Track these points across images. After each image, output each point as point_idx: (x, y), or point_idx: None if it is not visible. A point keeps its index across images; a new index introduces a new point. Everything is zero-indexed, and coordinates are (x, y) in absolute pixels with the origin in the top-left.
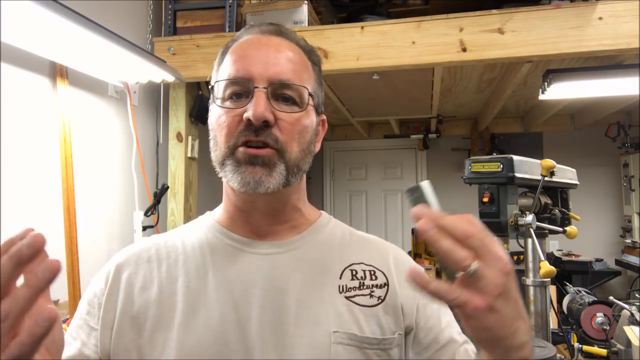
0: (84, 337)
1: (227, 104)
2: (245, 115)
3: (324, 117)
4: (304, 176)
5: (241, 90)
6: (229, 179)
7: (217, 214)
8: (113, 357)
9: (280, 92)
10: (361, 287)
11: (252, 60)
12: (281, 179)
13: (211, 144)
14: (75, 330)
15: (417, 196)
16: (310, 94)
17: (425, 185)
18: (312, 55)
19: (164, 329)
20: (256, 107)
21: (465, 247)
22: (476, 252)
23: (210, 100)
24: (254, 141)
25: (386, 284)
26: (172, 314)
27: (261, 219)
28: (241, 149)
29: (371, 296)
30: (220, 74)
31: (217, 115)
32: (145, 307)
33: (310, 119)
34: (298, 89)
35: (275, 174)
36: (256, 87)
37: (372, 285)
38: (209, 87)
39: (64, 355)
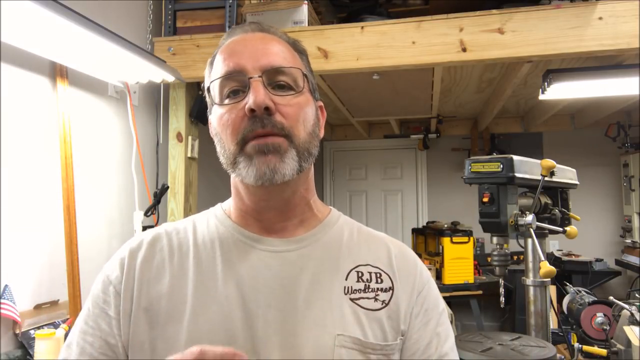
0: (105, 326)
1: (226, 102)
2: (247, 106)
3: (321, 103)
4: (312, 166)
5: (237, 85)
6: (244, 176)
7: (228, 207)
8: (130, 348)
9: (275, 80)
10: (366, 290)
11: (242, 55)
12: (294, 165)
13: (218, 148)
14: (93, 319)
15: None
16: (304, 74)
17: None
18: (296, 45)
19: (174, 322)
20: (256, 95)
21: None
22: None
23: (209, 107)
24: (262, 133)
25: (391, 288)
26: (183, 307)
27: (273, 216)
28: (251, 143)
29: (375, 300)
30: (213, 77)
31: (219, 115)
32: (157, 299)
33: (309, 101)
34: (292, 73)
35: (287, 159)
36: (251, 78)
37: (377, 289)
38: (204, 92)
39: (87, 345)
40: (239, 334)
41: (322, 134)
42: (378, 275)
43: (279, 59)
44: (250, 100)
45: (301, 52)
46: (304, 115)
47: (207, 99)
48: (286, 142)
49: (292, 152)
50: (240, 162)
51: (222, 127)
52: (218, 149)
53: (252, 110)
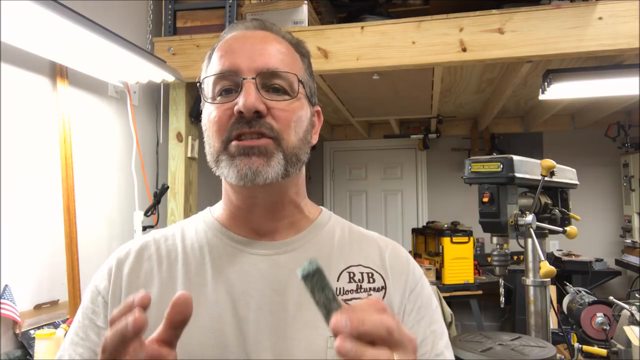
0: (95, 337)
1: (218, 100)
2: (236, 107)
3: (319, 108)
4: (303, 170)
5: (230, 84)
6: (225, 175)
7: (217, 211)
8: None
9: (270, 83)
10: (358, 290)
11: (239, 54)
12: (280, 169)
13: (205, 145)
14: (83, 330)
15: (317, 279)
16: (300, 81)
17: (318, 264)
18: (299, 47)
19: None
20: (246, 98)
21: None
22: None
23: (202, 102)
24: (248, 133)
25: (384, 287)
26: None
27: (261, 216)
28: (234, 143)
29: None
30: (208, 73)
31: (209, 113)
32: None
33: (304, 107)
34: (287, 77)
35: (273, 162)
36: (244, 79)
37: (370, 289)
38: (198, 87)
39: (78, 356)
40: (230, 339)
41: (315, 139)
42: (370, 275)
43: (276, 62)
44: (240, 102)
45: (303, 54)
46: (297, 120)
47: (201, 94)
48: (273, 145)
49: (278, 156)
50: (222, 161)
51: (210, 124)
52: (206, 146)
53: (240, 112)
